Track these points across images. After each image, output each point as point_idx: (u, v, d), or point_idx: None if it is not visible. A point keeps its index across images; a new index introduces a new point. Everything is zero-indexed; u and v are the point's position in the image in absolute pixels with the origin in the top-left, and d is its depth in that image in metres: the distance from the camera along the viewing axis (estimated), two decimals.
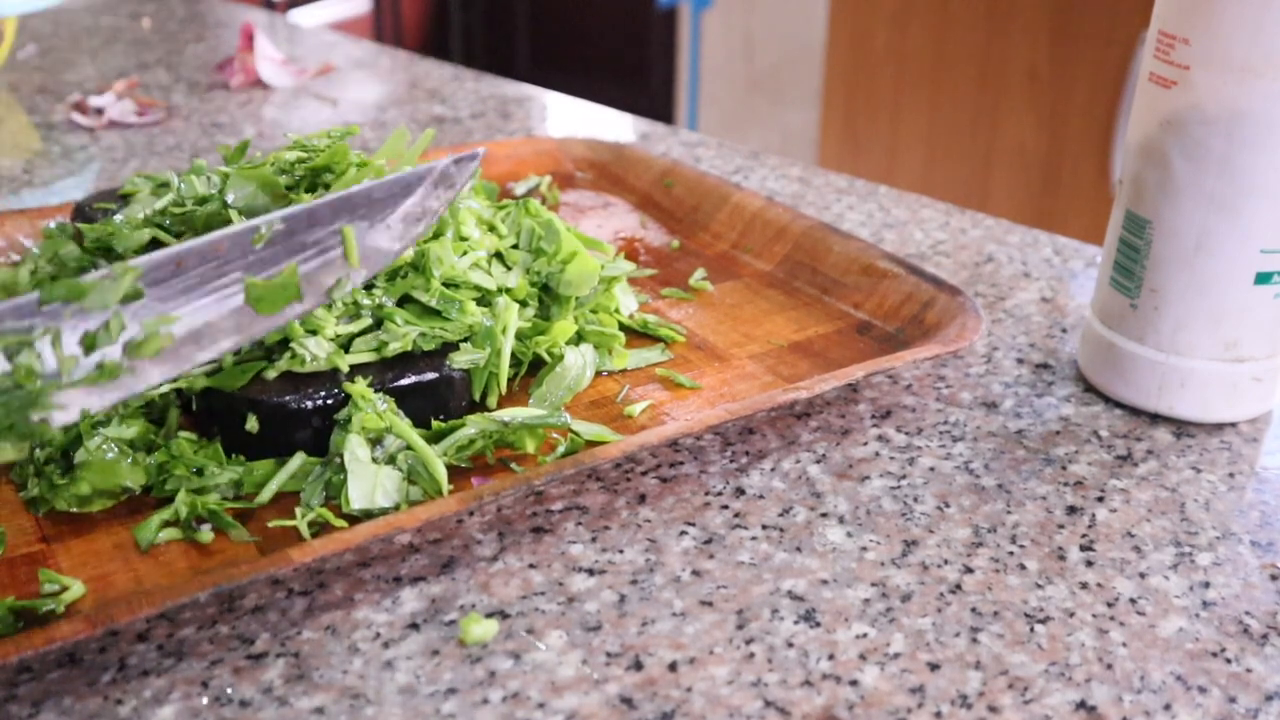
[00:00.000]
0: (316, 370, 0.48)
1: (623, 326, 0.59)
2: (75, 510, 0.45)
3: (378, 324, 0.51)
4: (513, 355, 0.54)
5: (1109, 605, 0.42)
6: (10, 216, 0.65)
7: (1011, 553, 0.45)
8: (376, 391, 0.48)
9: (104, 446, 0.45)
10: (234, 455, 0.47)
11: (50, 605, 0.40)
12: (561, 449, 0.49)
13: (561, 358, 0.54)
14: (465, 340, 0.52)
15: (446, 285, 0.53)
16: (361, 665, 0.39)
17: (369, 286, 0.51)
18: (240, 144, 0.62)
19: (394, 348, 0.50)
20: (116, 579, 0.42)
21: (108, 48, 1.23)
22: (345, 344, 0.50)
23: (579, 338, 0.56)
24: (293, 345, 0.48)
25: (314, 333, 0.49)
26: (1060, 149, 2.04)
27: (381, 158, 0.58)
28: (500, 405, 0.52)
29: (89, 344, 0.43)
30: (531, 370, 0.55)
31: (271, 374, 0.48)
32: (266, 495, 0.46)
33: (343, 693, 0.38)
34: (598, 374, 0.56)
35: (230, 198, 0.53)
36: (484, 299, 0.54)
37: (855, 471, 0.50)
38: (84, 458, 0.45)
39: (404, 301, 0.52)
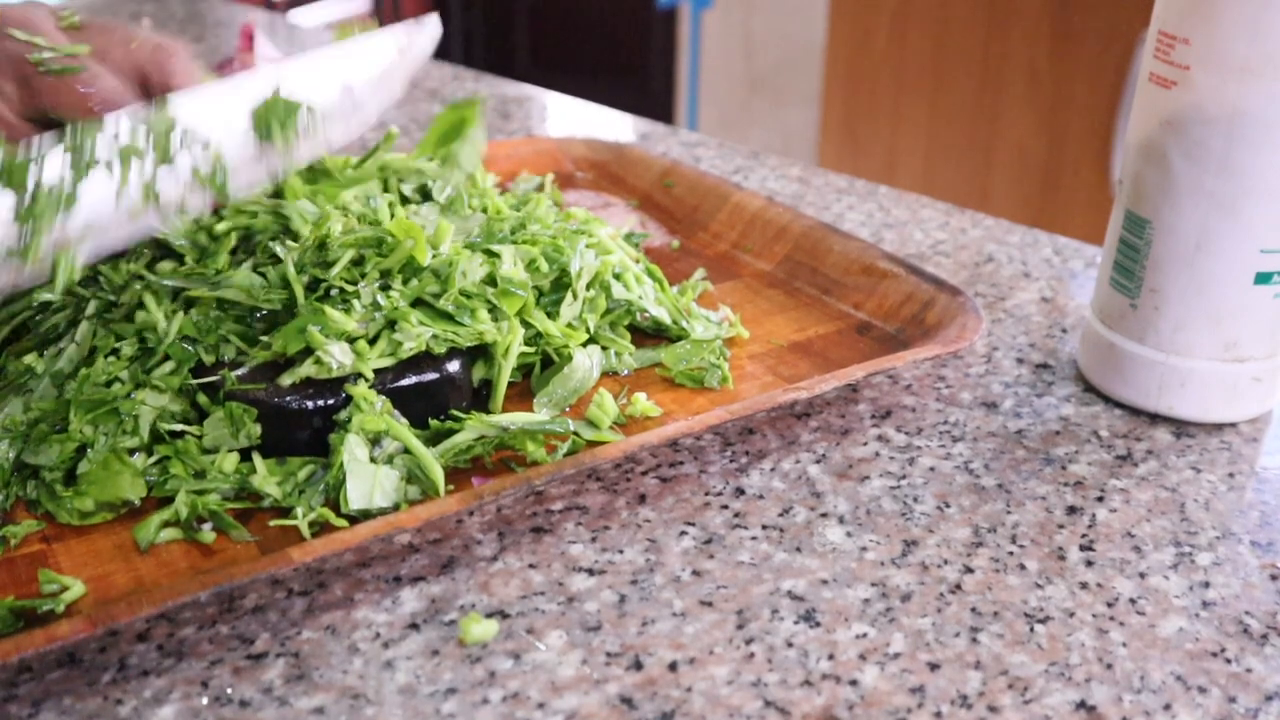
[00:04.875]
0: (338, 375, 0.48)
1: (630, 326, 0.59)
2: (76, 523, 0.45)
3: (389, 325, 0.50)
4: (520, 358, 0.53)
5: (1109, 605, 0.42)
6: None
7: (1011, 553, 0.45)
8: (377, 392, 0.48)
9: (108, 456, 0.45)
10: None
11: (50, 605, 0.40)
12: (563, 449, 0.49)
13: (570, 358, 0.54)
14: (475, 349, 0.51)
15: (462, 294, 0.53)
16: (361, 665, 0.39)
17: (385, 287, 0.51)
18: None
19: (408, 348, 0.49)
20: (117, 579, 0.42)
21: None
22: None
23: (590, 339, 0.56)
24: (318, 353, 0.47)
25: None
26: (1060, 149, 2.04)
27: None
28: (503, 404, 0.52)
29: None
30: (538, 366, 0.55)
31: (289, 379, 0.47)
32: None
33: (343, 693, 0.38)
34: (602, 374, 0.55)
35: None
36: (494, 310, 0.53)
37: (855, 471, 0.50)
38: (86, 469, 0.45)
39: (413, 304, 0.52)
